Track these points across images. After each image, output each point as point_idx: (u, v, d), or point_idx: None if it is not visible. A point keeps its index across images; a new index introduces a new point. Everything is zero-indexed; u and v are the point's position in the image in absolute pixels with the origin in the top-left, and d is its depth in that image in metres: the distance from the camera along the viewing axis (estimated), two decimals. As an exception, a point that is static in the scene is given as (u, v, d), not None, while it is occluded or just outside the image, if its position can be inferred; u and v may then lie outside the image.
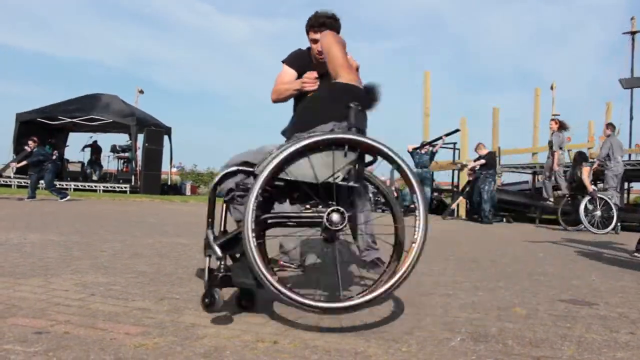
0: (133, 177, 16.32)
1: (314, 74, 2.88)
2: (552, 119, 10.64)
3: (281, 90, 2.96)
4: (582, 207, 8.61)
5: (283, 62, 3.03)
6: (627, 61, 23.80)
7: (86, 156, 18.72)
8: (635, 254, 4.61)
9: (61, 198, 10.68)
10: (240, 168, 1.99)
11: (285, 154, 1.87)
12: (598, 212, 8.66)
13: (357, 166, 1.95)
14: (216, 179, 2.02)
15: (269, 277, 1.77)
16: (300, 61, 3.03)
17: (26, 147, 11.37)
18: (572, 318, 2.12)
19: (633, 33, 23.81)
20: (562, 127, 10.17)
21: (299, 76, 2.95)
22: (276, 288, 1.76)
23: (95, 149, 18.40)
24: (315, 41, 2.95)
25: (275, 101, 3.01)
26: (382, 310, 2.12)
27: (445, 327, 1.89)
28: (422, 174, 11.25)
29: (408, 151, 11.54)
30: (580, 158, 9.58)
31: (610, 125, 9.84)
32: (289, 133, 2.22)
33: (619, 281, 3.17)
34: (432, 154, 11.54)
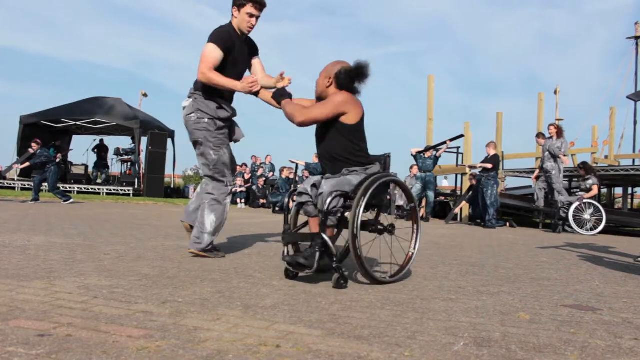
0: (136, 180, 16.37)
1: (252, 78, 3.44)
2: (551, 124, 10.58)
3: (219, 82, 3.45)
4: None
5: (211, 42, 3.46)
6: (632, 66, 23.81)
7: (90, 158, 18.80)
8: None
9: (64, 201, 10.73)
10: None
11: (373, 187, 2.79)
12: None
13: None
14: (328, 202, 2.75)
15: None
16: (227, 43, 3.52)
17: (29, 150, 11.43)
18: (576, 323, 2.11)
19: (637, 38, 23.82)
20: (560, 133, 10.13)
21: (225, 58, 3.49)
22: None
23: (102, 147, 18.47)
24: (251, 15, 3.56)
25: (209, 83, 3.48)
26: (384, 314, 2.12)
27: (448, 332, 1.89)
28: (425, 178, 11.28)
29: (412, 155, 11.55)
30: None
31: (557, 127, 9.97)
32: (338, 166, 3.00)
33: (623, 286, 3.16)
34: (436, 159, 11.55)
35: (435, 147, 11.70)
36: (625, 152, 20.46)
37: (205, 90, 3.57)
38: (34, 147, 11.27)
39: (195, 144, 3.67)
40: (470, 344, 1.75)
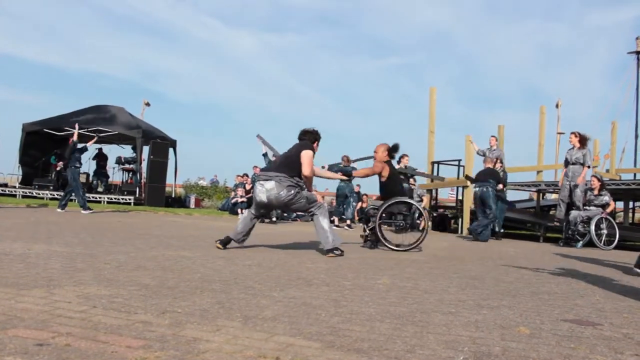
0: (137, 189, 16.37)
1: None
2: (572, 133, 9.87)
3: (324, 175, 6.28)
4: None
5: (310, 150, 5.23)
6: (633, 80, 23.92)
7: (91, 167, 18.80)
8: (636, 269, 4.61)
9: (61, 208, 10.73)
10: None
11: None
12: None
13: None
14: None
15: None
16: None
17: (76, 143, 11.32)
18: (576, 338, 2.10)
19: (638, 53, 23.96)
20: (583, 142, 9.66)
21: None
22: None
23: (101, 156, 18.47)
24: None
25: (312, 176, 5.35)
26: (384, 328, 2.11)
27: (448, 346, 1.88)
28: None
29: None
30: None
31: (579, 136, 9.67)
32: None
33: (623, 301, 3.15)
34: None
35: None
36: (626, 166, 20.48)
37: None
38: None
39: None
40: (470, 358, 1.75)
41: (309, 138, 5.40)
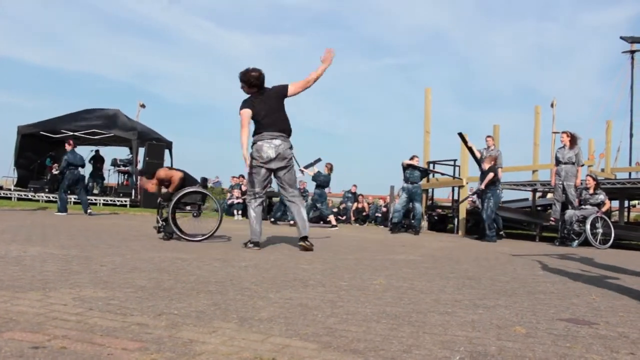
0: (133, 191, 16.34)
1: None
2: (564, 132, 9.83)
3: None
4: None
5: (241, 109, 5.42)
6: (627, 79, 24.06)
7: (87, 169, 18.74)
8: None
9: (58, 211, 10.71)
10: None
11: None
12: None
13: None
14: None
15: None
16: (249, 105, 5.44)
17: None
18: (572, 337, 2.11)
19: (632, 52, 24.11)
20: (574, 141, 9.54)
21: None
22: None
23: (98, 158, 18.40)
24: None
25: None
26: (380, 328, 2.12)
27: (444, 346, 1.89)
28: (412, 189, 11.05)
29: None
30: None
31: (570, 135, 9.69)
32: None
33: (619, 300, 3.16)
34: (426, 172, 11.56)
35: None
36: (621, 165, 20.56)
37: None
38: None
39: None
40: (466, 357, 1.75)
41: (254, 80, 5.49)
